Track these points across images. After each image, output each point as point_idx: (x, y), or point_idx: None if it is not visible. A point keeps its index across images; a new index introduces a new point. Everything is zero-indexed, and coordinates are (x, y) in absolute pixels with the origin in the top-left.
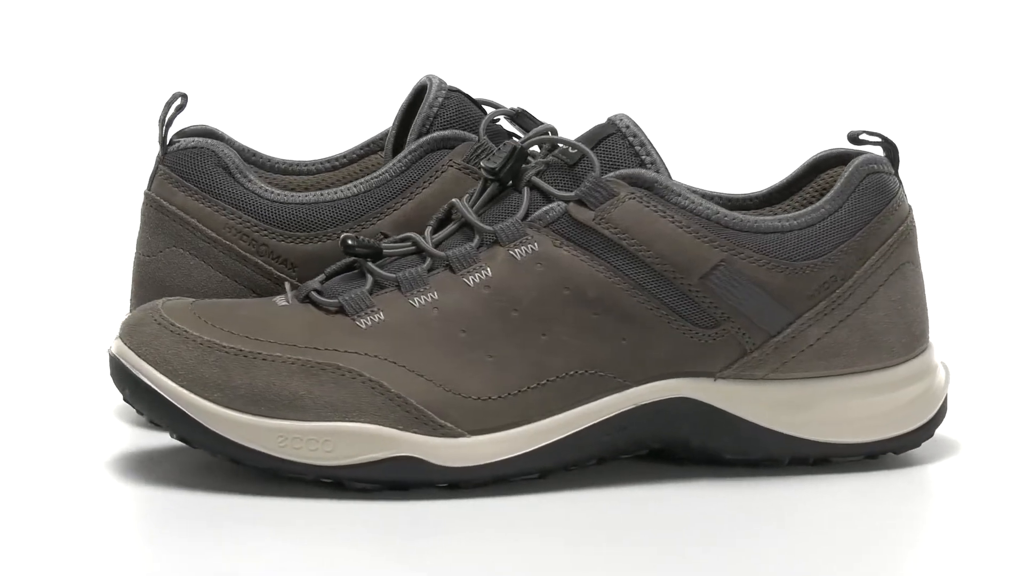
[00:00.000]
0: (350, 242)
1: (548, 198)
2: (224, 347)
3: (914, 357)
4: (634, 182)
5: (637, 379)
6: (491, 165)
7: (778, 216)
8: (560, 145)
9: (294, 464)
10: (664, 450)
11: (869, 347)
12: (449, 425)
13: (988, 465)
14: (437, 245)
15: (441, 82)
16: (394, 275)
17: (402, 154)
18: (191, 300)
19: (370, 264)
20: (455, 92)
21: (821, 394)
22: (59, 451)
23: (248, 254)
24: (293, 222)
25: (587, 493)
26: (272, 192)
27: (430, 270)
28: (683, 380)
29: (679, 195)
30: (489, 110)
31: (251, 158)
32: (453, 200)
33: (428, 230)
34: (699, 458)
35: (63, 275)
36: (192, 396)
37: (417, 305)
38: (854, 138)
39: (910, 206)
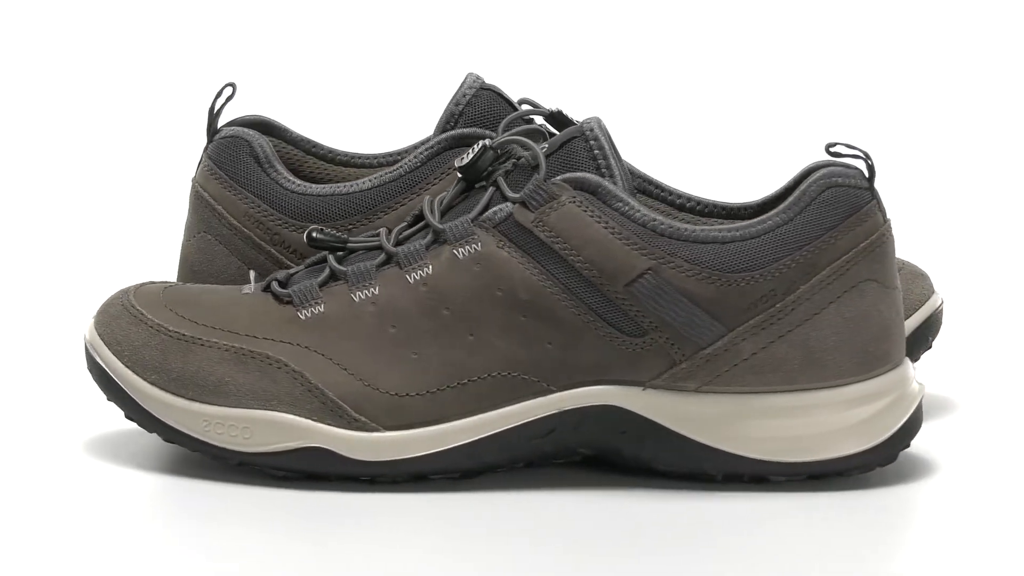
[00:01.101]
0: (315, 235)
1: (505, 198)
2: (169, 331)
3: (868, 378)
4: (578, 186)
5: (561, 384)
6: (461, 163)
7: (722, 226)
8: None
9: (217, 448)
10: (600, 457)
11: (812, 365)
12: (364, 419)
13: (965, 487)
14: (401, 242)
15: (475, 79)
16: (346, 269)
17: (419, 150)
18: (167, 284)
19: (330, 257)
20: (486, 90)
21: (756, 410)
22: (43, 427)
23: (263, 243)
24: (307, 213)
25: (509, 495)
26: (293, 183)
27: (382, 265)
28: (611, 388)
29: (621, 201)
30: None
31: (311, 149)
32: (426, 197)
33: (400, 226)
34: (634, 467)
35: (125, 255)
36: (132, 376)
37: (357, 299)
38: (830, 150)
39: (884, 222)
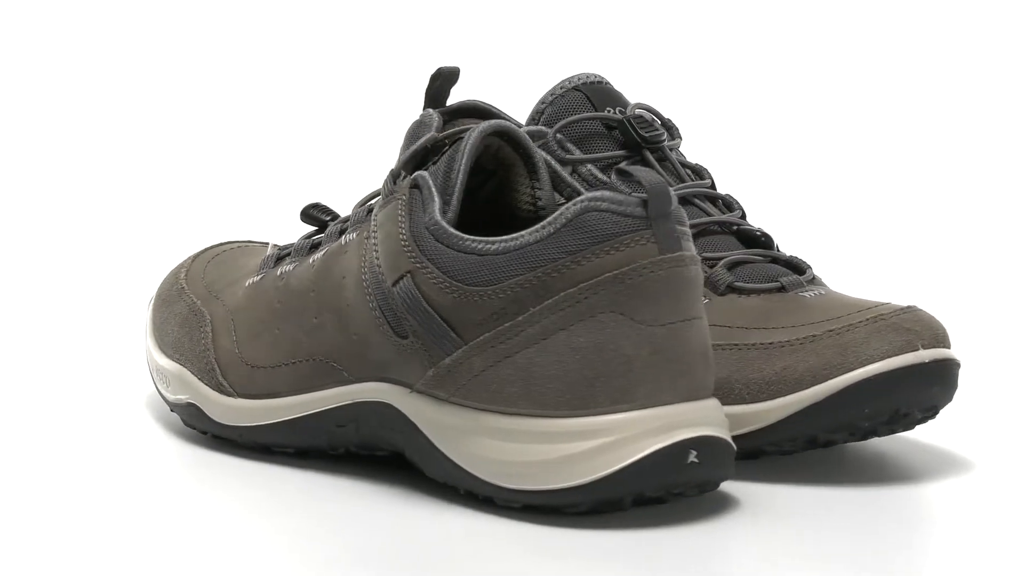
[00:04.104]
0: (309, 211)
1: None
2: (179, 284)
3: (587, 414)
4: (413, 184)
5: (357, 376)
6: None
7: (491, 237)
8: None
9: (162, 396)
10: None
11: (531, 390)
12: (226, 384)
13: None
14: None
15: (573, 80)
16: (293, 245)
17: None
18: (255, 244)
19: (308, 232)
20: (577, 91)
21: (483, 428)
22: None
23: None
24: None
25: (339, 480)
26: None
27: (316, 246)
28: (389, 386)
29: (431, 202)
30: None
31: None
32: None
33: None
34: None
35: None
36: (148, 320)
37: (278, 273)
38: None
39: (658, 255)
